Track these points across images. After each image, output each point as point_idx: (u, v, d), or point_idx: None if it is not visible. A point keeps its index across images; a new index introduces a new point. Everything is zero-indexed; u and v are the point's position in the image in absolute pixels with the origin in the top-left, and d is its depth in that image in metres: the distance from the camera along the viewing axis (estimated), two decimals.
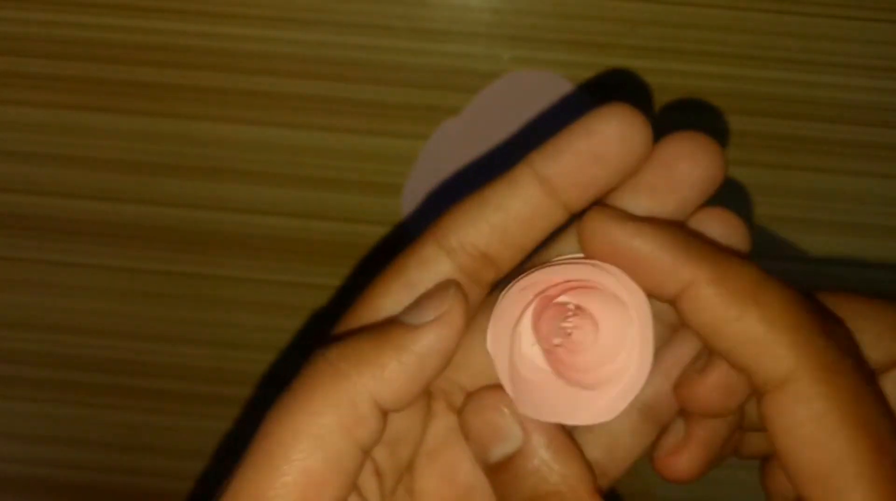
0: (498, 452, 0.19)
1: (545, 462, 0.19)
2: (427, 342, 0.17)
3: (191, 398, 0.38)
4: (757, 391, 0.18)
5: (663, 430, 0.21)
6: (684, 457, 0.20)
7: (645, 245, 0.18)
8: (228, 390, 0.38)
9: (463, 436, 0.20)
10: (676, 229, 0.18)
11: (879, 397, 0.18)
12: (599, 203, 0.19)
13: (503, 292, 0.19)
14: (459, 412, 0.20)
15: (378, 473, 0.19)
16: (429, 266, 0.19)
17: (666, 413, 0.20)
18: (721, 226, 0.19)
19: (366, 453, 0.18)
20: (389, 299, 0.19)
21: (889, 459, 0.17)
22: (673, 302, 0.18)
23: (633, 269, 0.18)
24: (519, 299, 0.19)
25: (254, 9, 0.33)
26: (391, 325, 0.18)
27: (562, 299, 0.19)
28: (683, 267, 0.17)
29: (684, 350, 0.20)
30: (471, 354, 0.20)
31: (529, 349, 0.19)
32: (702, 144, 0.18)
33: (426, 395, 0.20)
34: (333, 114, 0.34)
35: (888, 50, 0.33)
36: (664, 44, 0.33)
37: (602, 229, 0.18)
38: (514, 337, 0.19)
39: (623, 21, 0.33)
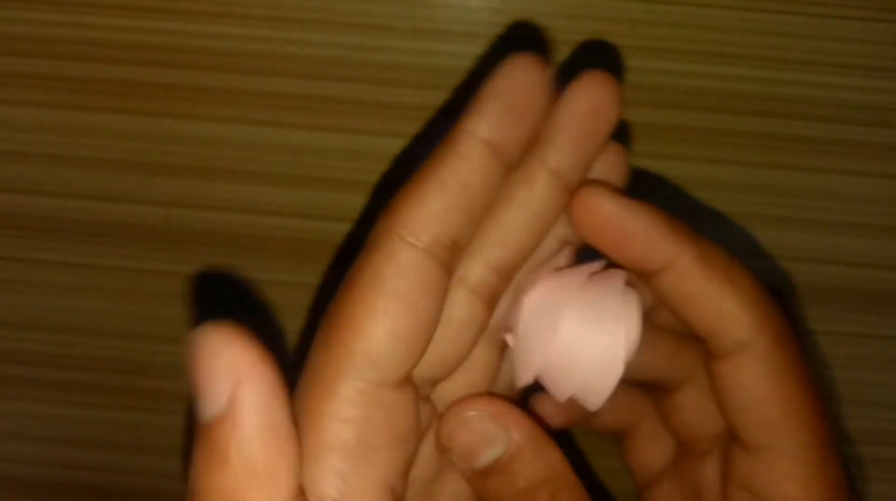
0: (486, 457, 0.19)
1: (532, 455, 0.20)
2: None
3: (190, 398, 0.38)
4: (715, 355, 0.21)
5: None
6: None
7: (639, 222, 0.20)
8: None
9: (445, 450, 0.20)
10: (660, 209, 0.20)
11: (806, 355, 0.21)
12: (590, 181, 0.20)
13: (528, 296, 0.20)
14: (438, 429, 0.20)
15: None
16: (409, 273, 0.17)
17: None
18: (617, 157, 0.21)
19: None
20: (379, 318, 0.17)
21: (819, 401, 0.20)
22: (653, 274, 0.20)
23: (622, 243, 0.20)
24: (552, 297, 0.20)
25: (254, 9, 0.33)
26: None
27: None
28: (673, 244, 0.20)
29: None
30: (445, 346, 0.19)
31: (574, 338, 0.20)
32: (611, 85, 0.19)
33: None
34: (333, 114, 0.34)
35: (888, 50, 0.33)
36: (664, 44, 0.33)
37: (599, 205, 0.19)
38: (557, 330, 0.20)
39: (623, 21, 0.33)
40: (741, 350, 0.20)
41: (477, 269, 0.19)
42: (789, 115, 0.34)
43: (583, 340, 0.19)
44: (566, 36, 0.33)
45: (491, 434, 0.19)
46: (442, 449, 0.20)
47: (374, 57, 0.34)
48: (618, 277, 0.20)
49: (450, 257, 0.18)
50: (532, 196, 0.19)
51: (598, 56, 0.33)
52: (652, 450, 0.25)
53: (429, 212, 0.18)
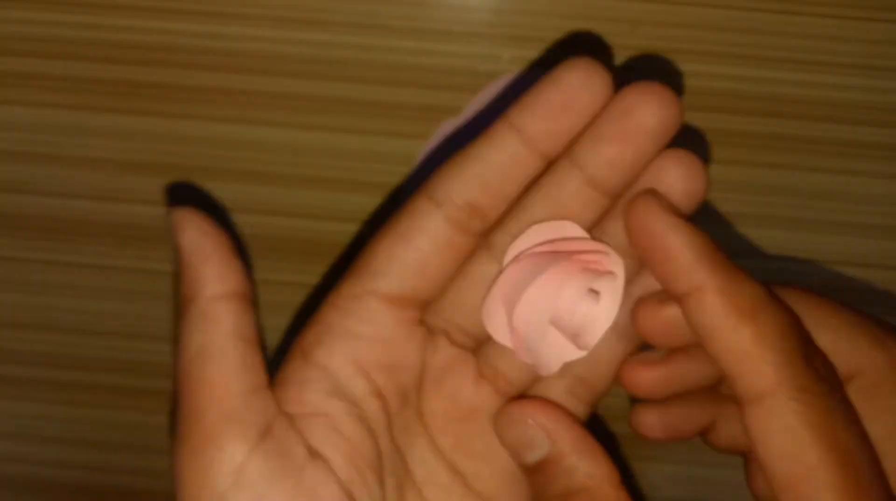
0: (530, 457, 0.22)
1: (572, 463, 0.21)
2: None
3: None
4: (738, 401, 0.19)
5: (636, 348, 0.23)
6: (650, 372, 0.23)
7: (676, 240, 0.20)
8: None
9: (499, 441, 0.22)
10: (706, 235, 0.20)
11: (852, 417, 0.20)
12: (650, 190, 0.21)
13: (506, 264, 0.22)
14: (493, 419, 0.22)
15: (379, 394, 0.22)
16: (418, 217, 0.21)
17: (636, 335, 0.22)
18: (679, 167, 0.21)
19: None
20: (384, 251, 0.21)
21: (855, 471, 0.18)
22: (679, 298, 0.20)
23: (654, 256, 0.20)
24: (522, 269, 0.22)
25: (254, 9, 0.33)
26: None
27: (576, 275, 0.21)
28: (699, 270, 0.19)
29: (651, 281, 0.22)
30: (465, 297, 0.22)
31: (538, 309, 0.21)
32: (657, 92, 0.20)
33: (424, 330, 0.22)
34: (333, 114, 0.34)
35: (888, 50, 0.33)
36: (664, 44, 0.33)
37: (649, 214, 0.20)
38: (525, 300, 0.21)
39: (623, 21, 0.33)
40: (759, 401, 0.19)
41: (500, 237, 0.22)
42: (789, 115, 0.34)
43: (545, 298, 0.21)
44: (566, 36, 0.33)
45: (533, 439, 0.21)
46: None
47: (374, 57, 0.34)
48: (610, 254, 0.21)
49: (464, 217, 0.21)
50: (557, 192, 0.21)
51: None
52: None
53: (446, 174, 0.21)
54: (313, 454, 0.20)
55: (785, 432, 0.18)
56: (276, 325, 0.37)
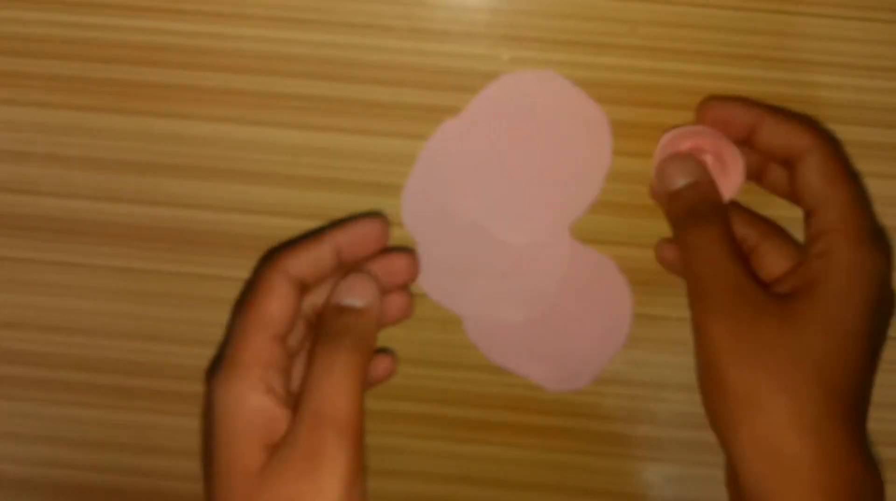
0: (680, 182, 0.32)
1: (710, 189, 0.32)
2: None
3: (191, 398, 0.38)
4: (794, 162, 0.31)
5: None
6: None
7: (770, 115, 0.32)
8: None
9: (655, 173, 0.33)
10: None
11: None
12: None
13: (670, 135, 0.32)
14: (668, 158, 0.33)
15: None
16: (276, 285, 0.31)
17: None
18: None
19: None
20: (275, 303, 0.31)
21: (858, 186, 0.31)
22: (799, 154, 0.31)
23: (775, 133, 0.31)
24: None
25: (254, 9, 0.33)
26: None
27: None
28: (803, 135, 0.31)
29: None
30: None
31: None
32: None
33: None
34: (333, 114, 0.34)
35: (888, 50, 0.33)
36: (664, 44, 0.33)
37: (727, 106, 0.32)
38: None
39: (623, 21, 0.33)
40: (807, 152, 0.30)
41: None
42: None
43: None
44: (566, 36, 0.33)
45: (690, 168, 0.32)
46: (655, 176, 0.33)
47: (374, 57, 0.34)
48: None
49: (299, 283, 0.31)
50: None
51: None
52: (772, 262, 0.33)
53: (293, 262, 0.31)
54: None
55: (822, 163, 0.30)
56: None
